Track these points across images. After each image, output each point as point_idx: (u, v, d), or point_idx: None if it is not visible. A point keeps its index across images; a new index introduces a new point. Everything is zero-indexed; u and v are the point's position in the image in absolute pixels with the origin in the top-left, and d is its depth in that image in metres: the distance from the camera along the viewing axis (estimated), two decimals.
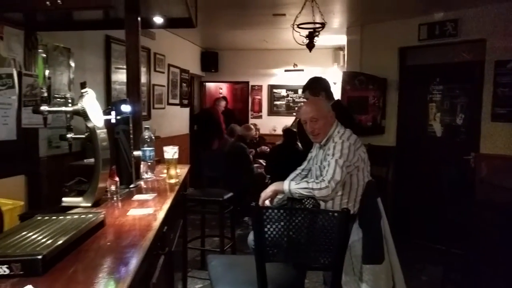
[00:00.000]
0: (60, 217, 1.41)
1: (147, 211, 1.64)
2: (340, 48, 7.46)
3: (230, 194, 3.66)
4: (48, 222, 1.35)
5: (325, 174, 2.10)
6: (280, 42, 7.20)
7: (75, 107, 1.79)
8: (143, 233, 1.33)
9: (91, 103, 1.82)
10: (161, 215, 1.58)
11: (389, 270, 2.17)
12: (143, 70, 5.56)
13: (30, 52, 3.46)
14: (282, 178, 2.42)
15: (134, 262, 1.06)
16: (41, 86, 1.89)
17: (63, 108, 1.84)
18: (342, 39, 6.24)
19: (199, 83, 8.61)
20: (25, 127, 3.23)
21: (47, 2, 2.66)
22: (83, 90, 1.85)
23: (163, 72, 6.27)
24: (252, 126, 6.57)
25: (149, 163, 2.49)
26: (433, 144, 4.77)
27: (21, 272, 0.99)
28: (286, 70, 8.35)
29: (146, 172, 2.47)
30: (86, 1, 2.68)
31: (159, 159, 2.91)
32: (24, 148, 3.29)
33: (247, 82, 8.69)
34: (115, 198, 1.92)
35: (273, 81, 8.56)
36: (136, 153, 2.37)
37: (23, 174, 3.32)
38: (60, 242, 1.10)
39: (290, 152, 4.65)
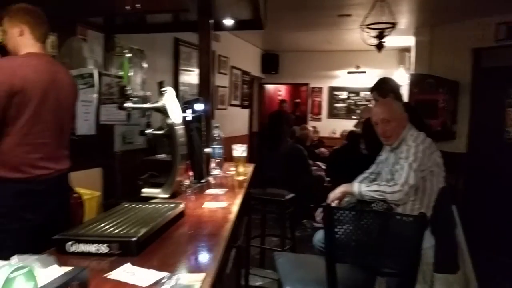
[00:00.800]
0: (144, 206, 1.50)
1: (221, 204, 1.70)
2: (406, 50, 7.21)
3: (292, 195, 3.68)
4: (134, 209, 1.44)
5: (398, 177, 2.05)
6: (343, 43, 7.11)
7: (157, 105, 1.90)
8: (221, 224, 1.38)
9: (170, 101, 1.92)
10: (234, 208, 1.63)
11: (463, 281, 2.06)
12: None
13: (109, 53, 3.71)
14: (344, 181, 2.39)
15: (218, 249, 1.11)
16: (125, 85, 2.02)
17: (145, 105, 1.96)
18: (408, 40, 6.03)
19: (258, 85, 8.72)
20: (102, 123, 3.46)
21: (127, 7, 2.84)
22: (163, 89, 1.95)
23: (225, 74, 6.43)
24: (307, 126, 6.54)
25: (218, 160, 2.57)
26: (510, 152, 4.46)
27: (119, 252, 1.07)
28: (348, 72, 8.21)
29: (215, 169, 2.55)
30: (163, 5, 2.83)
31: (225, 157, 3.00)
32: (101, 143, 3.53)
33: (307, 84, 8.66)
34: (188, 191, 2.01)
35: (334, 83, 8.45)
36: (207, 150, 2.46)
37: (100, 167, 3.57)
38: (150, 227, 1.17)
39: (353, 155, 4.56)
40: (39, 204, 1.71)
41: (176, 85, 4.87)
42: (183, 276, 0.92)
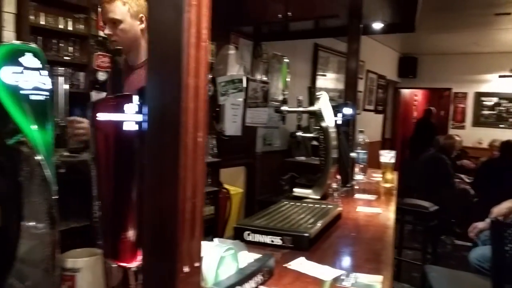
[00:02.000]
0: (303, 204, 1.57)
1: (375, 210, 1.69)
2: None
3: (436, 208, 3.44)
4: (295, 207, 1.53)
5: None
6: (495, 44, 6.37)
7: (312, 108, 1.97)
8: (382, 230, 1.38)
9: (325, 105, 1.97)
10: (391, 215, 1.61)
11: None
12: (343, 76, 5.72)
13: (256, 60, 3.97)
14: (494, 196, 2.16)
15: (387, 254, 1.11)
16: (283, 89, 2.14)
17: (300, 109, 2.05)
18: None
19: (394, 89, 8.33)
20: (247, 125, 3.73)
21: (279, 15, 3.00)
22: (318, 93, 2.02)
23: (361, 78, 6.31)
24: (454, 135, 6.00)
25: (362, 165, 2.55)
26: None
27: (291, 245, 1.15)
28: (500, 76, 7.31)
29: (359, 174, 2.53)
30: (313, 12, 2.91)
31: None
32: (246, 143, 3.81)
33: (450, 89, 7.97)
34: (336, 195, 2.03)
35: (481, 88, 7.62)
36: (352, 154, 2.46)
37: (243, 166, 3.85)
38: (319, 225, 1.23)
39: (509, 167, 4.07)
40: None
41: (313, 89, 4.96)
42: (361, 275, 0.95)
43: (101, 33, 2.54)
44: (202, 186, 0.65)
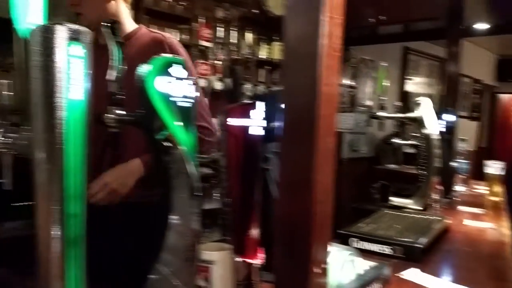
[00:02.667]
0: (406, 215, 1.53)
1: (486, 224, 1.58)
2: None
3: None
4: (396, 217, 1.49)
5: None
6: None
7: (413, 114, 1.91)
8: (498, 246, 1.29)
9: (427, 111, 1.90)
10: (505, 231, 1.49)
11: None
12: (435, 80, 5.42)
13: (344, 64, 3.93)
14: None
15: None
16: (379, 94, 2.10)
17: (399, 115, 1.99)
18: None
19: (490, 95, 7.68)
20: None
21: (372, 19, 2.93)
22: (418, 99, 1.94)
23: None
24: None
25: (464, 176, 2.40)
26: None
27: (402, 255, 1.13)
28: None
29: (460, 185, 2.39)
30: (407, 15, 2.81)
31: None
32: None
33: None
34: (437, 206, 1.94)
35: None
36: (453, 164, 2.32)
37: None
38: (430, 236, 1.19)
39: None
40: None
41: (402, 94, 4.78)
42: None
43: (202, 42, 2.71)
44: (331, 189, 0.67)
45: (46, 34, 0.60)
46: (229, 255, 0.81)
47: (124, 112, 0.79)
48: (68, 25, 0.62)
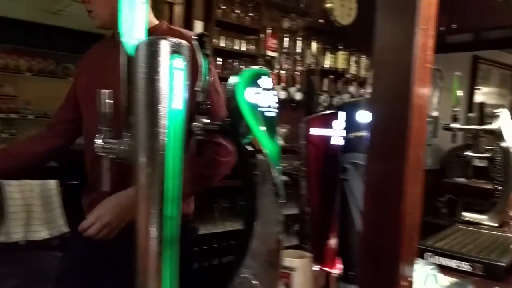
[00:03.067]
0: (483, 231, 1.46)
1: None
2: None
3: None
4: (472, 233, 1.43)
5: None
6: None
7: (490, 126, 1.81)
8: None
9: (506, 123, 1.79)
10: None
11: None
12: (507, 90, 5.10)
13: None
14: None
15: None
16: (454, 105, 2.02)
17: (475, 127, 1.90)
18: None
19: None
20: None
21: (441, 28, 2.83)
22: (496, 110, 1.85)
23: None
24: None
25: None
26: None
27: (482, 273, 1.07)
28: None
29: None
30: (479, 23, 2.69)
31: None
32: None
33: None
34: None
35: None
36: None
37: None
38: None
39: None
40: None
41: (471, 104, 4.54)
42: None
43: (268, 52, 2.75)
44: (420, 201, 0.66)
45: (151, 48, 0.65)
46: (310, 263, 0.82)
47: (209, 121, 0.83)
48: (170, 39, 0.67)
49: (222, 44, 2.63)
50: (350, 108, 0.92)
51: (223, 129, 0.81)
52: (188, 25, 2.51)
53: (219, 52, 2.61)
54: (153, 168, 0.65)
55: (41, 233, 2.04)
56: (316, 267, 0.86)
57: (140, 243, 0.66)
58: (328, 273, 0.87)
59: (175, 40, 0.67)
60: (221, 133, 0.83)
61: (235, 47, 2.66)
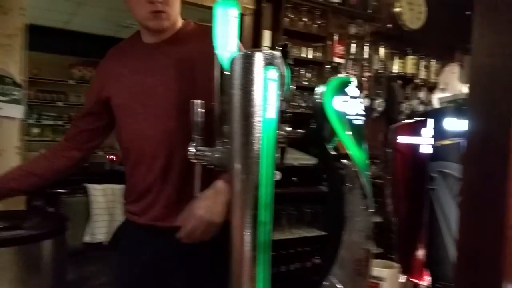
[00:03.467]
0: None
1: None
2: None
3: None
4: None
5: None
6: None
7: None
8: None
9: None
10: None
11: None
12: None
13: None
14: None
15: None
16: None
17: None
18: None
19: None
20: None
21: None
22: None
23: None
24: None
25: None
26: None
27: None
28: None
29: None
30: None
31: None
32: None
33: None
34: None
35: None
36: None
37: None
38: None
39: None
40: None
41: None
42: None
43: (335, 59, 2.73)
44: None
45: (246, 60, 0.68)
46: (398, 273, 0.81)
47: (291, 129, 0.85)
48: (265, 51, 0.70)
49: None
50: (437, 115, 0.89)
51: (307, 135, 0.83)
52: (257, 35, 2.56)
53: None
54: (247, 175, 0.68)
55: None
56: (403, 278, 0.84)
57: (235, 248, 0.68)
58: (416, 284, 0.84)
59: (269, 52, 0.70)
60: (304, 140, 0.84)
61: (302, 55, 2.67)
